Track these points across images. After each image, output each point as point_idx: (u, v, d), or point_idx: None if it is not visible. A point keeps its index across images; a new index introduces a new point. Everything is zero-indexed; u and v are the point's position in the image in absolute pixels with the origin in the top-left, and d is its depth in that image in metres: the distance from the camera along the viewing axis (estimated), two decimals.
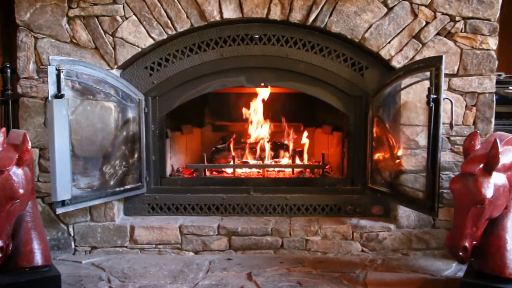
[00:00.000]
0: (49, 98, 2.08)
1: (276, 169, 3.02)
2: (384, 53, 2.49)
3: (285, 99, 3.23)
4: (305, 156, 3.18)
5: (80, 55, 2.48)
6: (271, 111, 3.20)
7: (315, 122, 3.28)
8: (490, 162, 1.86)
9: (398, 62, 2.49)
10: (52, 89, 2.09)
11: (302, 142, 3.22)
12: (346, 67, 2.61)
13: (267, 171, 2.97)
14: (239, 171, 2.99)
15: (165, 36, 2.49)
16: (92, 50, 2.49)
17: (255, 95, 3.11)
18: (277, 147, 3.18)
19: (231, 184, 2.76)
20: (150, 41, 2.50)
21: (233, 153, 3.00)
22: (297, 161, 3.09)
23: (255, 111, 3.17)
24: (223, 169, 3.03)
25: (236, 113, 3.25)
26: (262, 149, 3.13)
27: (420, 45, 2.47)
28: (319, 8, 2.46)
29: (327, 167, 3.03)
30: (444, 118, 2.17)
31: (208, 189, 2.73)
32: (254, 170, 3.03)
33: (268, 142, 3.16)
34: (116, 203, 2.63)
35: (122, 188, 2.53)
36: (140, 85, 2.63)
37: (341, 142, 2.90)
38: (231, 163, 2.93)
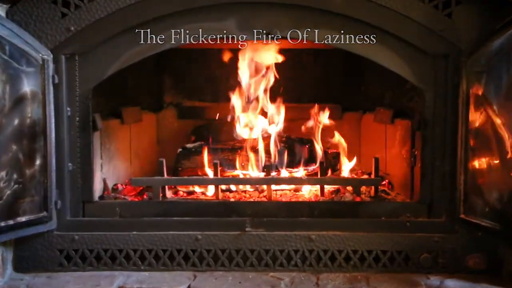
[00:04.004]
0: None
1: (293, 186, 3.02)
2: None
3: (308, 62, 3.34)
4: (344, 163, 3.19)
5: None
6: (283, 83, 3.21)
7: (363, 102, 3.36)
8: None
9: None
10: None
11: (338, 138, 3.23)
12: (420, 1, 2.57)
13: (276, 190, 2.97)
14: (224, 188, 3.00)
15: None
16: None
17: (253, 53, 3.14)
18: (294, 147, 3.20)
19: (212, 214, 2.74)
20: None
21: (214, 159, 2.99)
22: (330, 172, 3.12)
23: (254, 84, 3.18)
24: (196, 187, 3.02)
25: (219, 86, 3.36)
26: (267, 151, 3.13)
27: None
28: None
29: (383, 182, 3.05)
30: None
31: (171, 223, 2.70)
32: (252, 187, 3.06)
33: (277, 138, 3.16)
34: (0, 249, 2.56)
35: (11, 222, 2.47)
36: (45, 34, 2.62)
37: (410, 138, 2.88)
38: (212, 176, 2.94)
